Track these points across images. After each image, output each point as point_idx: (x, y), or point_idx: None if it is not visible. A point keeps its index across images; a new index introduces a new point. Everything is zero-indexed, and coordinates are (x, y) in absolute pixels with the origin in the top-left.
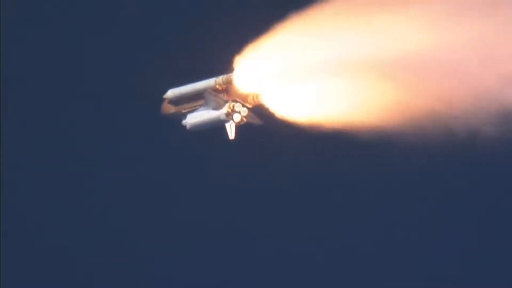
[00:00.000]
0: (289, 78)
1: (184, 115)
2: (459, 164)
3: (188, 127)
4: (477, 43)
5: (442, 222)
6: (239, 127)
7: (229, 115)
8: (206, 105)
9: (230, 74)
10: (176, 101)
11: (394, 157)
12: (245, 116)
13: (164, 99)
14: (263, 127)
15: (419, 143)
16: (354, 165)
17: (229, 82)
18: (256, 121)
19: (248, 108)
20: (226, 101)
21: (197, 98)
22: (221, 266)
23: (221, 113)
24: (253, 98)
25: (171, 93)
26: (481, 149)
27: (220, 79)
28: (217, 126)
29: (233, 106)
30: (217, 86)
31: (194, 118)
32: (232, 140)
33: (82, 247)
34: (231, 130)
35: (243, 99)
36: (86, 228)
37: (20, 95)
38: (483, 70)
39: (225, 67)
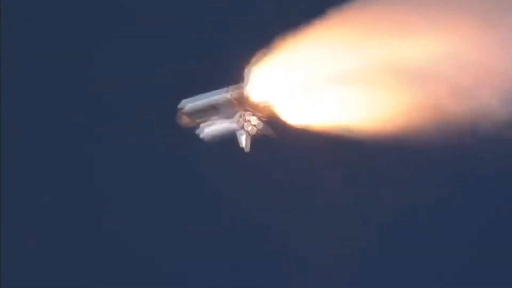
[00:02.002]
0: (302, 88)
1: (198, 125)
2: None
3: (202, 136)
4: (486, 48)
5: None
6: (252, 138)
7: (243, 126)
8: (220, 116)
9: (243, 85)
10: (191, 112)
11: (409, 163)
12: (257, 126)
13: (179, 110)
14: (277, 139)
15: (435, 147)
16: (370, 172)
17: (241, 92)
18: (270, 132)
19: (262, 120)
20: (239, 112)
21: (211, 110)
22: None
23: (235, 124)
24: (267, 109)
25: (187, 106)
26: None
27: (234, 91)
28: (231, 137)
29: (247, 118)
30: (232, 98)
31: (209, 129)
32: (247, 152)
33: (82, 247)
34: (246, 143)
35: (255, 109)
36: (86, 227)
37: (20, 95)
38: (494, 74)
39: (238, 77)
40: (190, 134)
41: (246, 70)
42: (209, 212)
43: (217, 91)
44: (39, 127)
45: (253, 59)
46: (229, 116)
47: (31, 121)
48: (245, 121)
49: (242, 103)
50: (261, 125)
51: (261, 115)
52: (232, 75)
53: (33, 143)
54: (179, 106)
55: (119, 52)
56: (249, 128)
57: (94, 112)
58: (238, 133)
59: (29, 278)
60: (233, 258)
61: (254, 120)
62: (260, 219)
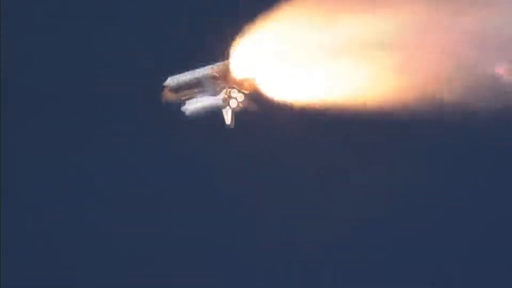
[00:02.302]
0: (284, 62)
1: (183, 102)
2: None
3: (187, 113)
4: (469, 24)
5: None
6: (236, 114)
7: (226, 101)
8: (204, 92)
9: (226, 61)
10: (176, 88)
11: (394, 136)
12: (241, 102)
13: (164, 87)
14: (261, 112)
15: (422, 121)
16: (352, 145)
17: (225, 69)
18: (253, 107)
19: (244, 94)
20: (223, 88)
21: (195, 86)
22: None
23: (218, 99)
24: (249, 84)
25: (170, 80)
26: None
27: (217, 66)
28: (215, 112)
29: (230, 92)
30: (214, 74)
31: (193, 104)
32: (229, 126)
33: (82, 247)
34: (228, 116)
35: (239, 85)
36: (86, 228)
37: (19, 95)
38: (476, 50)
39: (222, 54)
40: (176, 110)
41: (230, 47)
42: (193, 188)
43: (202, 68)
44: (38, 125)
45: (238, 36)
46: (214, 93)
47: (30, 121)
48: (229, 97)
49: (226, 78)
50: (245, 101)
51: (245, 91)
52: (218, 53)
53: (32, 143)
54: (165, 83)
55: (106, 34)
56: (233, 104)
57: (82, 95)
58: (222, 109)
59: (29, 278)
60: (217, 235)
61: (238, 96)
62: (244, 194)
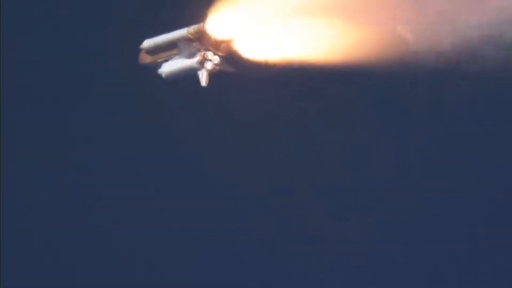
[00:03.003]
0: (259, 22)
1: (159, 65)
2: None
3: (163, 76)
4: None
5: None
6: (213, 75)
7: (201, 63)
8: (180, 54)
9: (202, 23)
10: (152, 51)
11: (368, 92)
12: (217, 64)
13: (140, 49)
14: (237, 74)
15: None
16: (333, 106)
17: (201, 31)
18: (229, 69)
19: (220, 56)
20: (199, 50)
21: (171, 48)
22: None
23: (193, 61)
24: (225, 46)
25: (146, 43)
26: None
27: (192, 28)
28: (191, 74)
29: (205, 54)
30: (190, 35)
31: (169, 67)
32: (204, 87)
33: (82, 247)
34: (203, 78)
35: (215, 47)
36: (86, 227)
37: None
38: None
39: (197, 16)
40: (151, 72)
41: (206, 9)
42: (169, 154)
43: (178, 30)
44: (38, 125)
45: None
46: (190, 55)
47: (30, 120)
48: (205, 59)
49: (201, 41)
50: (220, 62)
51: (220, 52)
52: (194, 15)
53: (32, 143)
54: (141, 46)
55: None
56: (209, 66)
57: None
58: (196, 69)
59: (29, 278)
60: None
61: (214, 58)
62: (221, 159)
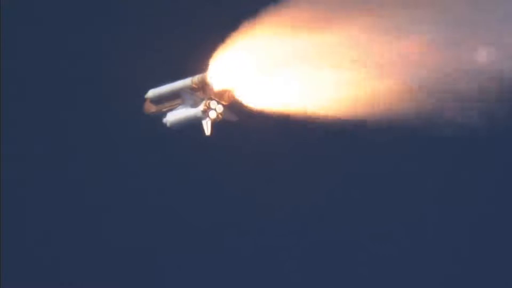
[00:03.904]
0: (262, 73)
1: (164, 114)
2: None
3: (168, 125)
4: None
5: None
6: (216, 124)
7: (205, 112)
8: (184, 103)
9: (205, 73)
10: (157, 100)
11: (368, 144)
12: (220, 113)
13: (145, 99)
14: (240, 123)
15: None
16: (331, 152)
17: (204, 81)
18: (233, 117)
19: (223, 105)
20: (202, 99)
21: (175, 97)
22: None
23: (198, 110)
24: (228, 95)
25: (151, 92)
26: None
27: (196, 78)
28: (195, 123)
29: (209, 104)
30: (193, 85)
31: (173, 116)
32: (208, 136)
33: (81, 247)
34: (207, 127)
35: (218, 97)
36: (85, 227)
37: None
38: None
39: (200, 67)
40: (156, 121)
41: (208, 60)
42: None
43: (182, 80)
44: (38, 127)
45: (215, 49)
46: (194, 105)
47: (30, 120)
48: (209, 108)
49: (205, 90)
50: (224, 112)
51: (223, 101)
52: (197, 65)
53: (32, 143)
54: (146, 95)
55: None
56: (213, 115)
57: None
58: (200, 118)
59: (29, 278)
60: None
61: (214, 104)
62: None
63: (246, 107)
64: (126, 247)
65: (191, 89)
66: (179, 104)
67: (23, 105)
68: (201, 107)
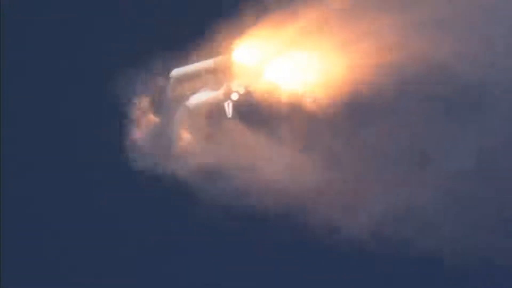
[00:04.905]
0: (283, 57)
1: (187, 97)
2: None
3: (190, 107)
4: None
5: None
6: (238, 106)
7: (227, 95)
8: (205, 86)
9: (228, 56)
10: (180, 79)
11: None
12: (242, 95)
13: (170, 78)
14: (260, 104)
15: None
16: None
17: (227, 63)
18: (253, 99)
19: (244, 87)
20: (224, 81)
21: (198, 78)
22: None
23: (219, 93)
24: (249, 77)
25: (175, 72)
26: None
27: (218, 59)
28: (217, 106)
29: (230, 86)
30: (216, 67)
31: (196, 99)
32: (229, 117)
33: (81, 247)
34: (228, 109)
35: (240, 79)
36: (85, 227)
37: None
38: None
39: (223, 49)
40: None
41: (232, 42)
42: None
43: (205, 61)
44: (38, 126)
45: (239, 32)
46: (216, 87)
47: (30, 120)
48: (230, 90)
49: (227, 72)
50: (243, 91)
51: (244, 84)
52: (220, 48)
53: (32, 143)
54: (170, 75)
55: (107, 31)
56: (234, 97)
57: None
58: (222, 101)
59: (29, 278)
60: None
61: (239, 89)
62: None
63: (266, 90)
64: (124, 246)
65: (214, 72)
66: (201, 87)
67: (23, 105)
68: (223, 89)
